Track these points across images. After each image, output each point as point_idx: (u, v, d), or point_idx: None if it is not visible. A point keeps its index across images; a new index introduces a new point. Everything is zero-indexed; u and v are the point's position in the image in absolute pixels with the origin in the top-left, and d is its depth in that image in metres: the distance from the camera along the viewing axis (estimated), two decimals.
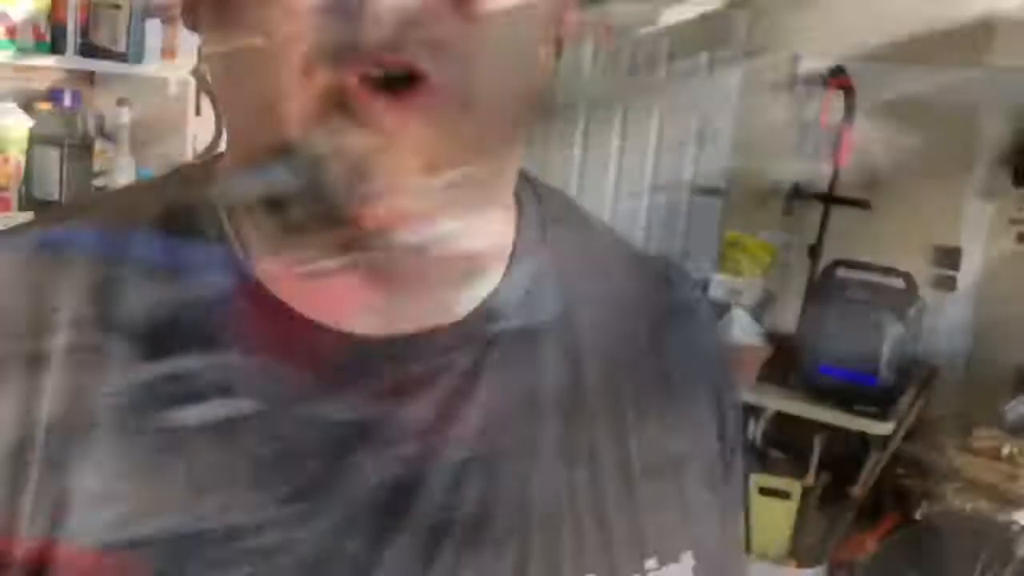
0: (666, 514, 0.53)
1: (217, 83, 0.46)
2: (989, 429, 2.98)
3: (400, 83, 0.40)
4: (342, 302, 0.47)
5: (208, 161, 0.52)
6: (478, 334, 0.49)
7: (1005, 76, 3.47)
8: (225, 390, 0.45)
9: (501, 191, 0.51)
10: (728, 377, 0.62)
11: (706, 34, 4.02)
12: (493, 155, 0.45)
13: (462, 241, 0.45)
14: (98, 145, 2.80)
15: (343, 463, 0.45)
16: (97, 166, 2.75)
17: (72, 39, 2.63)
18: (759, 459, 3.07)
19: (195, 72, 2.47)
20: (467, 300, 0.50)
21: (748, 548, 2.89)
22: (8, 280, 0.47)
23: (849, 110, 3.64)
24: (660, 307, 0.59)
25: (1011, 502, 2.67)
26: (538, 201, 0.56)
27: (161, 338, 0.46)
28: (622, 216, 4.30)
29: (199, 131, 2.73)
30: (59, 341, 0.45)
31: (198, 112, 2.75)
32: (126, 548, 0.42)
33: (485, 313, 0.50)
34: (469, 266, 0.49)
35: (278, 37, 0.41)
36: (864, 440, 2.94)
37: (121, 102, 2.86)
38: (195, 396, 0.45)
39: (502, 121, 0.44)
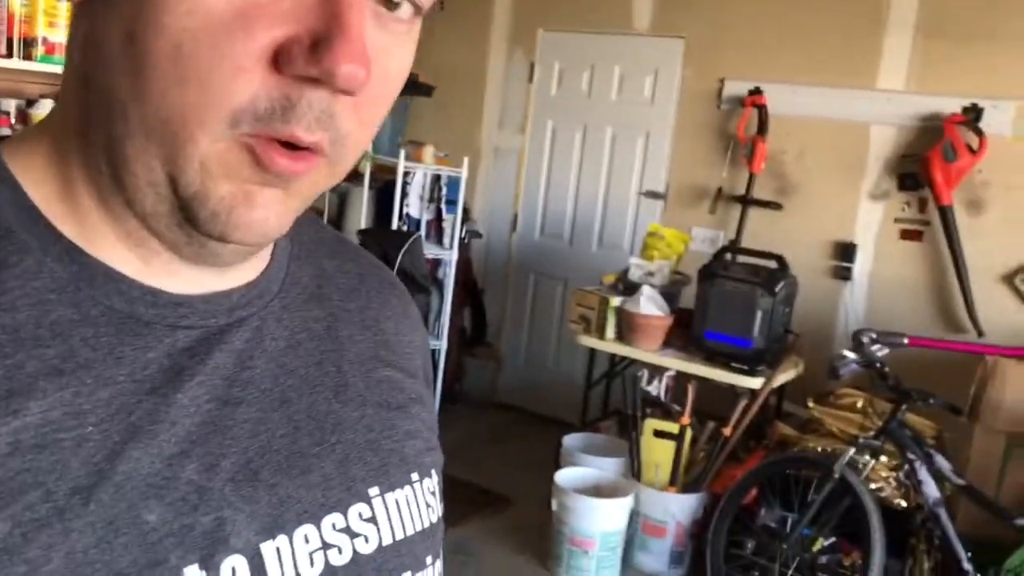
0: (418, 442, 0.65)
1: (117, 77, 0.48)
2: (848, 389, 3.62)
3: (300, 147, 0.48)
4: (156, 267, 0.53)
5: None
6: (262, 296, 0.59)
7: (889, 97, 4.10)
8: (58, 335, 0.49)
9: None
10: (427, 341, 0.75)
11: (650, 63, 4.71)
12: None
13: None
14: None
15: (169, 400, 0.51)
16: None
17: None
18: (663, 410, 3.73)
19: None
20: (249, 273, 0.58)
21: (639, 478, 3.56)
22: None
23: (763, 125, 4.29)
24: (382, 284, 0.71)
25: (849, 442, 3.29)
26: None
27: None
28: (582, 213, 5.00)
29: None
30: None
31: None
32: None
33: (265, 279, 0.59)
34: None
35: (219, 87, 0.46)
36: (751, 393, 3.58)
37: None
38: (31, 342, 0.48)
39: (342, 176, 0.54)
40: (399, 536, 0.60)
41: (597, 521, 3.37)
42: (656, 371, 3.76)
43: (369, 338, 0.66)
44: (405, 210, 4.49)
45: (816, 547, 3.24)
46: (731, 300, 3.54)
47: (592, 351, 4.08)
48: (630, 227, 4.85)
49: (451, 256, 4.52)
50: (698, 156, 4.61)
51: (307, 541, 0.55)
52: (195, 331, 0.54)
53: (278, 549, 0.53)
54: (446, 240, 4.60)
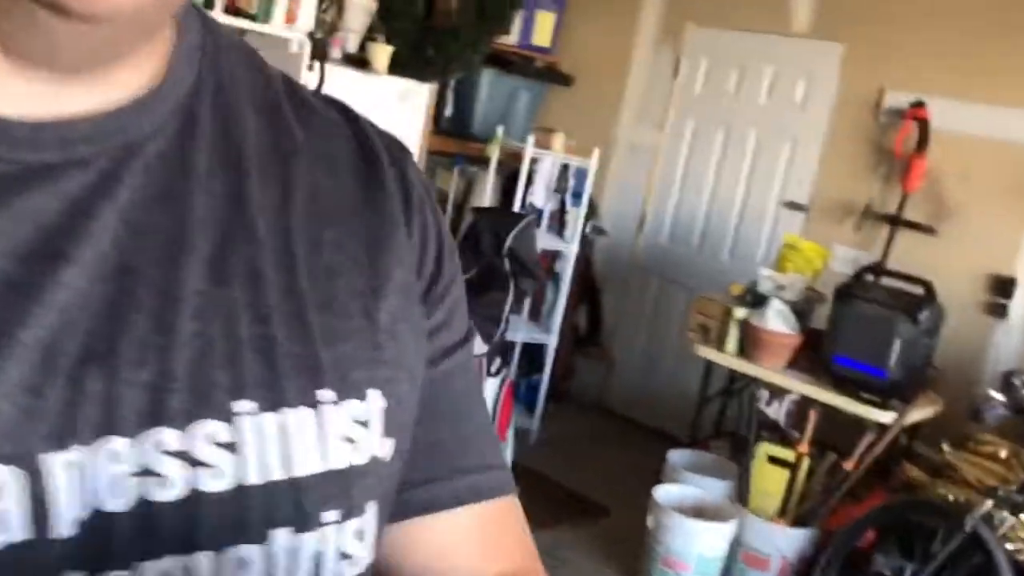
0: (350, 348, 0.48)
1: None
2: (991, 435, 3.27)
3: None
4: None
5: None
6: (124, 131, 0.44)
7: None
8: None
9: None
10: (435, 215, 0.57)
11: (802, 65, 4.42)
12: None
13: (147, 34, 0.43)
14: None
15: None
16: None
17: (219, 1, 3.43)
18: (781, 435, 3.47)
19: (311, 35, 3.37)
20: (117, 99, 0.43)
21: (746, 505, 3.31)
22: None
23: (923, 140, 3.95)
24: (350, 138, 0.54)
25: (986, 493, 2.96)
26: (203, 25, 0.50)
27: None
28: (715, 220, 4.75)
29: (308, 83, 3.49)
30: None
31: (310, 68, 3.53)
32: None
33: (137, 110, 0.44)
34: (130, 62, 0.44)
35: None
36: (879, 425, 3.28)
37: None
38: None
39: None
40: (278, 476, 0.43)
41: (695, 544, 3.15)
42: (777, 393, 3.50)
43: (300, 206, 0.49)
44: (529, 198, 4.35)
45: None
46: (868, 324, 3.24)
47: (709, 364, 3.84)
48: (766, 239, 4.56)
49: (571, 250, 4.36)
50: (848, 169, 4.29)
51: (117, 459, 0.40)
52: (6, 165, 0.40)
53: (69, 463, 0.39)
54: (568, 233, 4.44)
